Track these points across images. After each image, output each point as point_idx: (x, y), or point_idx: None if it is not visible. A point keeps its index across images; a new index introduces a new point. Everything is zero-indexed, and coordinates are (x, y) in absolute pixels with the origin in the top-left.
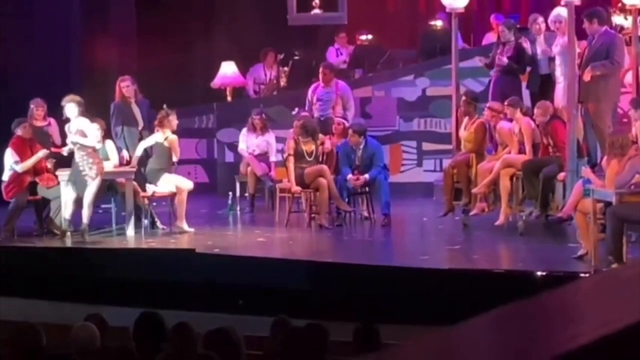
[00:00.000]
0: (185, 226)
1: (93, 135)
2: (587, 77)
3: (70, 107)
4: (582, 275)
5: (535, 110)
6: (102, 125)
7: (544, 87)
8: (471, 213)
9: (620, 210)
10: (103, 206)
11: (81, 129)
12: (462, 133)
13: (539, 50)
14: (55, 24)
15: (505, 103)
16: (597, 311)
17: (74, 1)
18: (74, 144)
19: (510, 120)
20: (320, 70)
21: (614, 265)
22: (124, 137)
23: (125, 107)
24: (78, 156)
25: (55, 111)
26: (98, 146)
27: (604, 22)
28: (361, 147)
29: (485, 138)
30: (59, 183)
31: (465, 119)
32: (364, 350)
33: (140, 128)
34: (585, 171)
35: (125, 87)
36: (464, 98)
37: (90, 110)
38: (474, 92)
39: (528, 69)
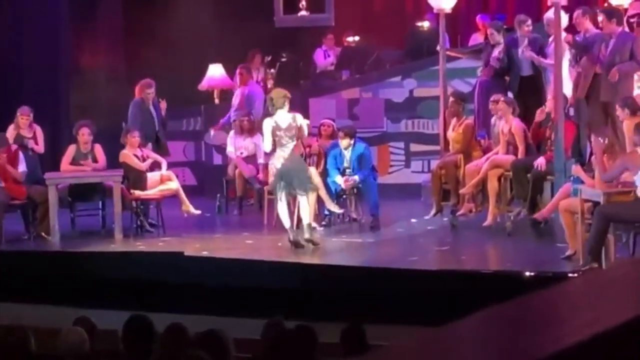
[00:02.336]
0: (192, 209)
1: (304, 126)
2: (614, 77)
3: (283, 103)
4: (570, 275)
5: (551, 97)
6: (91, 129)
7: (523, 88)
8: (458, 213)
9: (607, 209)
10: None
11: (299, 124)
12: (450, 134)
13: (520, 51)
14: (43, 26)
15: (497, 98)
16: (584, 311)
17: (61, 4)
18: (287, 139)
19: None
20: (237, 72)
21: (592, 265)
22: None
23: (144, 106)
24: (282, 154)
25: (44, 115)
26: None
27: (621, 22)
28: (350, 149)
29: (473, 139)
30: (28, 195)
31: (453, 120)
32: (351, 351)
33: (157, 129)
34: (576, 169)
35: (151, 93)
36: (452, 99)
37: (78, 114)
38: (462, 93)
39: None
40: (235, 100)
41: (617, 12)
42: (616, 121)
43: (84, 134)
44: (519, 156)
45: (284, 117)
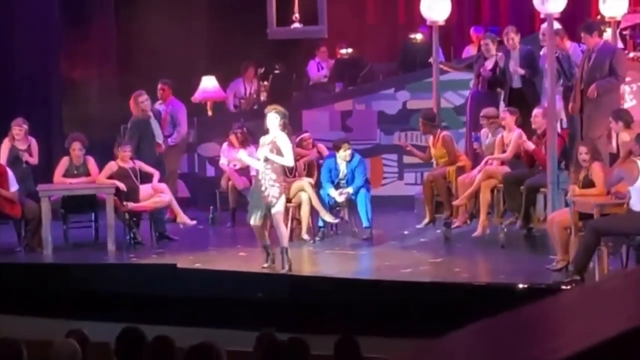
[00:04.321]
0: (187, 220)
1: (289, 154)
2: (592, 93)
3: (271, 118)
4: (564, 287)
5: (536, 111)
6: (83, 143)
7: (512, 100)
8: (453, 226)
9: (599, 224)
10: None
11: (278, 145)
12: (433, 151)
13: (511, 65)
14: (35, 39)
15: (504, 110)
16: (577, 324)
17: (53, 16)
18: (266, 159)
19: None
20: (159, 86)
21: (574, 278)
22: (136, 154)
23: (143, 123)
24: (263, 171)
25: (37, 127)
26: (290, 165)
27: (602, 34)
28: (347, 161)
29: (454, 148)
30: (23, 210)
31: (430, 138)
32: None
33: (161, 141)
34: (572, 188)
35: (145, 100)
36: (420, 120)
37: (71, 126)
38: (430, 112)
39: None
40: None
41: (597, 24)
42: (588, 131)
43: (75, 148)
44: (508, 155)
45: (271, 133)
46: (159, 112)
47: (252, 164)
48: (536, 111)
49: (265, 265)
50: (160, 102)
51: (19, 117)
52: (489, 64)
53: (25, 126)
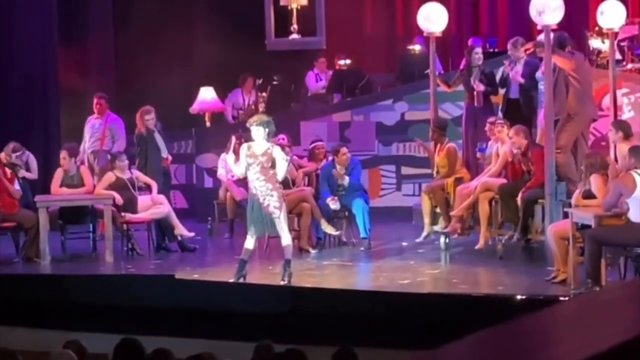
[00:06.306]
0: (185, 231)
1: (283, 165)
2: None
3: (257, 131)
4: (561, 299)
5: (511, 132)
6: (74, 151)
7: (509, 111)
8: (444, 230)
9: (597, 232)
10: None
11: (274, 156)
12: (437, 159)
13: (512, 72)
14: (33, 50)
15: (497, 122)
16: (574, 335)
17: (51, 29)
18: (261, 172)
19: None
20: (95, 100)
21: (593, 289)
22: (145, 168)
23: (149, 137)
24: (257, 184)
25: (35, 139)
26: (281, 177)
27: (574, 47)
28: (346, 167)
29: (457, 162)
30: (17, 219)
31: (438, 145)
32: None
33: (165, 156)
34: (578, 199)
35: (151, 119)
36: (431, 127)
37: (70, 138)
38: (441, 121)
39: (501, 91)
40: (92, 131)
41: (569, 39)
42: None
43: (61, 157)
44: (495, 172)
45: (260, 144)
46: (97, 126)
47: (234, 170)
48: (511, 133)
49: (233, 279)
50: (96, 116)
51: (16, 143)
52: (477, 75)
53: (22, 152)
